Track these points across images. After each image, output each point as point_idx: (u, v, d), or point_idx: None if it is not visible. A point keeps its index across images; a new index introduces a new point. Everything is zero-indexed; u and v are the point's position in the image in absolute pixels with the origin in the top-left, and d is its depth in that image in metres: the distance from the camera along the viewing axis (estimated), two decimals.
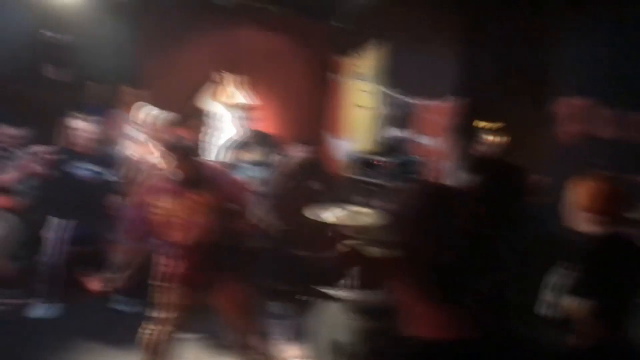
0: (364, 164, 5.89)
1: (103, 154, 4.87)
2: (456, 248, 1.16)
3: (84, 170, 4.69)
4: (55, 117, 5.34)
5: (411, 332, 1.22)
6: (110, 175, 4.73)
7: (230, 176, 3.60)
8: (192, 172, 3.11)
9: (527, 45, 4.73)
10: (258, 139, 5.14)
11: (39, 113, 5.27)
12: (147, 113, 4.93)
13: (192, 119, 5.63)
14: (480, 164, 2.46)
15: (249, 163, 5.05)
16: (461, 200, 1.26)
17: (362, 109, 6.65)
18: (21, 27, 5.47)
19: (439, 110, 5.53)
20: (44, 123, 5.14)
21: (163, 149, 3.19)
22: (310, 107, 6.82)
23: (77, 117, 4.83)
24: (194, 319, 3.39)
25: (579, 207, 2.28)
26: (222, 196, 3.15)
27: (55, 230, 4.60)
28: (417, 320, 1.21)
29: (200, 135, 5.86)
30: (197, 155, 3.27)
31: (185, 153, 3.12)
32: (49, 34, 5.67)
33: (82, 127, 4.72)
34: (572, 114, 4.48)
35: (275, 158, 4.93)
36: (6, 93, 5.14)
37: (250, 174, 4.98)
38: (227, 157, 5.11)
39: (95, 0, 5.72)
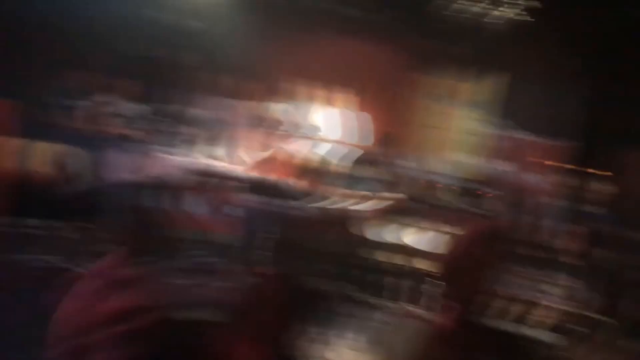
0: (462, 190, 5.86)
1: None
2: None
3: None
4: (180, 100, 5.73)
5: None
6: None
7: None
8: None
9: None
10: (370, 156, 5.25)
11: (164, 94, 5.64)
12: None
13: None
14: None
15: (362, 178, 5.17)
16: None
17: (467, 135, 6.61)
18: (162, 14, 5.91)
19: (548, 149, 5.42)
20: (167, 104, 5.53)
21: None
22: (414, 126, 6.85)
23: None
24: None
25: None
26: None
27: None
28: None
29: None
30: None
31: None
32: (185, 21, 6.07)
33: None
34: None
35: (386, 175, 5.04)
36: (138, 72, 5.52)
37: (362, 187, 5.10)
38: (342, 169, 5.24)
39: None
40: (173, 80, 5.90)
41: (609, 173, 4.52)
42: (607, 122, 4.79)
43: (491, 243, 3.05)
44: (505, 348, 3.23)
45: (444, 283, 3.25)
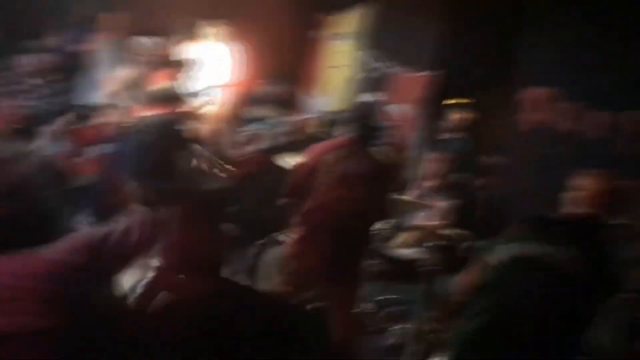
0: (334, 123, 6.04)
1: None
2: None
3: None
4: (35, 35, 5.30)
5: None
6: None
7: None
8: None
9: (504, 28, 4.91)
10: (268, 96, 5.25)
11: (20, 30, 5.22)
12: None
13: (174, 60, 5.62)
14: None
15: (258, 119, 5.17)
16: None
17: (339, 68, 6.76)
18: None
19: (413, 79, 5.70)
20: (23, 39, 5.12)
21: None
22: (289, 61, 6.89)
23: None
24: None
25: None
26: None
27: None
28: None
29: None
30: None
31: None
32: None
33: None
34: (535, 103, 4.72)
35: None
36: None
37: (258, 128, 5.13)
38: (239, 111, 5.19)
39: None
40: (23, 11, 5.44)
41: (467, 101, 4.85)
42: (467, 54, 5.11)
43: (333, 165, 3.26)
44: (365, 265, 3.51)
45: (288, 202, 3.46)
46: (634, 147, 3.93)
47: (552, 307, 2.24)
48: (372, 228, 3.41)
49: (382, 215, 3.51)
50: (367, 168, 3.30)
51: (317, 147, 3.48)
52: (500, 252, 2.34)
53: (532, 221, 2.49)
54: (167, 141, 3.85)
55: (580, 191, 2.45)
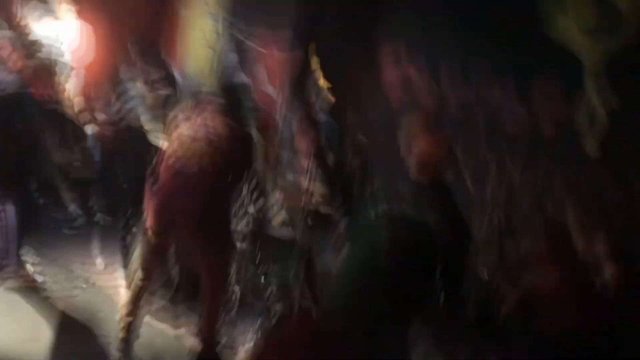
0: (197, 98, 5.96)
1: None
2: None
3: None
4: None
5: None
6: None
7: None
8: None
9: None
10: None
11: None
12: None
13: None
14: None
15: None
16: None
17: (204, 46, 6.64)
18: None
19: (278, 58, 5.75)
20: None
21: None
22: (151, 37, 6.63)
23: None
24: None
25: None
26: None
27: None
28: None
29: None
30: None
31: None
32: None
33: None
34: (400, 80, 4.94)
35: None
36: None
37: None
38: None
39: None
40: None
41: (330, 84, 4.97)
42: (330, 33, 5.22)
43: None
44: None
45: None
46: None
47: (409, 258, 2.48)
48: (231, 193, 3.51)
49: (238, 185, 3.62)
50: (223, 134, 3.39)
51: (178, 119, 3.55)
52: (367, 212, 2.59)
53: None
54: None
55: (421, 156, 2.71)
